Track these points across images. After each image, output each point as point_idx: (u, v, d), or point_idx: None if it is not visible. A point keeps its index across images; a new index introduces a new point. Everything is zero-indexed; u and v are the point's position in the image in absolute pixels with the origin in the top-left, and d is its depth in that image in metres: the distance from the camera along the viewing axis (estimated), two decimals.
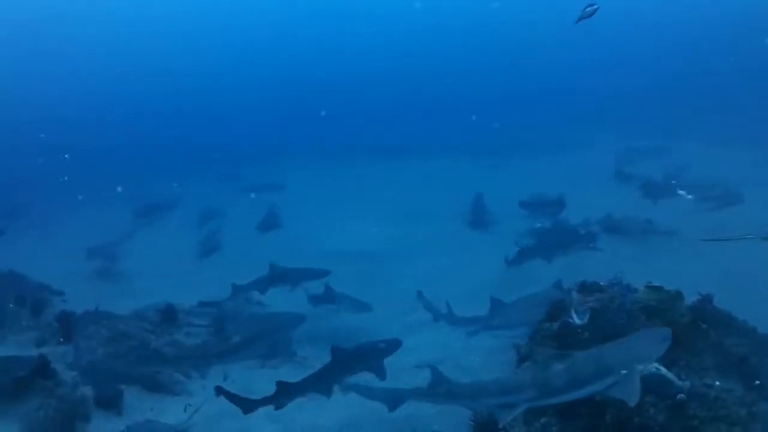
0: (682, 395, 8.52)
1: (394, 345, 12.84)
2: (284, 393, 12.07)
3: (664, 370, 8.65)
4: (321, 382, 12.37)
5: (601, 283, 10.94)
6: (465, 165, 37.40)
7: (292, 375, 14.60)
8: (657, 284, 10.22)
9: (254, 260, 22.22)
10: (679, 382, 8.66)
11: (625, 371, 8.19)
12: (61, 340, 17.06)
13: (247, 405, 12.02)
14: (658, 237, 21.31)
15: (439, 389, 10.07)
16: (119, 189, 36.65)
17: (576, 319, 10.23)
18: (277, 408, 12.11)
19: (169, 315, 17.97)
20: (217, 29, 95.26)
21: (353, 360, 12.60)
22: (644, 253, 19.51)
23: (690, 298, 10.20)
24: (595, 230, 21.09)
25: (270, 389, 13.90)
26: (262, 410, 13.03)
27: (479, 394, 9.48)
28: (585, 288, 10.96)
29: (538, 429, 9.41)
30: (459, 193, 27.00)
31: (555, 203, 24.72)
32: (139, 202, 36.43)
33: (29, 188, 40.28)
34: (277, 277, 18.69)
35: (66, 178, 38.74)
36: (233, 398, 12.06)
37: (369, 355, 12.65)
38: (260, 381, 14.63)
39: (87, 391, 14.07)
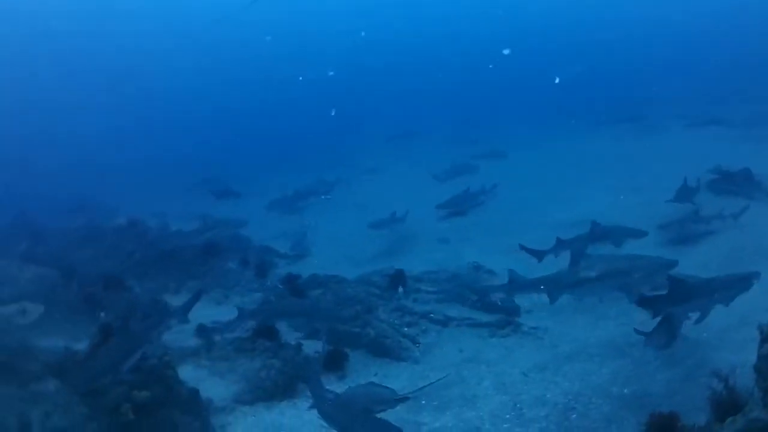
0: None
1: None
2: None
3: None
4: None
5: None
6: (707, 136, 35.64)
7: (522, 346, 15.53)
8: None
9: (482, 228, 23.26)
10: None
11: None
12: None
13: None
14: None
15: None
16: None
17: None
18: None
19: (397, 280, 18.98)
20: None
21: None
22: None
23: None
24: None
25: (499, 358, 14.90)
26: (488, 381, 14.00)
27: None
28: None
29: None
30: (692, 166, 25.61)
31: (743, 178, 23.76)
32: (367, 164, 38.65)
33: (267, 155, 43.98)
34: (599, 234, 19.12)
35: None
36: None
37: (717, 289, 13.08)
38: (490, 350, 15.63)
39: (310, 353, 15.52)
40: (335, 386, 14.20)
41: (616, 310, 15.37)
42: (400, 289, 18.55)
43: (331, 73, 61.68)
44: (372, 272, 20.11)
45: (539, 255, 18.69)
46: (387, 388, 13.08)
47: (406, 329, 17.00)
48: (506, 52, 56.51)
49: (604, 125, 42.33)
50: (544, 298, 14.95)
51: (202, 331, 16.40)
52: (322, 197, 32.60)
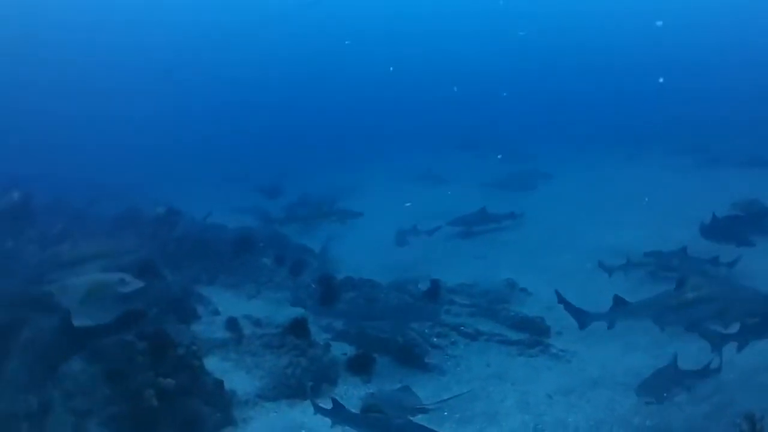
0: None
1: None
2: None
3: None
4: None
5: None
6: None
7: (549, 368, 15.81)
8: None
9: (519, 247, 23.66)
10: None
11: None
12: (319, 302, 18.77)
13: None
14: None
15: None
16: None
17: None
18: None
19: (431, 290, 19.12)
20: None
21: None
22: None
23: None
24: None
25: (525, 378, 15.18)
26: (512, 400, 14.31)
27: None
28: None
29: None
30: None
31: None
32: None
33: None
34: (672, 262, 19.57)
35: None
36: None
37: None
38: (517, 369, 15.91)
39: (338, 354, 15.94)
40: (359, 390, 14.69)
41: (647, 340, 15.59)
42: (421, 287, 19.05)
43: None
44: (406, 280, 20.51)
45: (610, 270, 19.91)
46: (413, 395, 13.45)
47: (435, 339, 17.29)
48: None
49: (663, 152, 41.87)
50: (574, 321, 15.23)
51: (232, 324, 16.76)
52: None
